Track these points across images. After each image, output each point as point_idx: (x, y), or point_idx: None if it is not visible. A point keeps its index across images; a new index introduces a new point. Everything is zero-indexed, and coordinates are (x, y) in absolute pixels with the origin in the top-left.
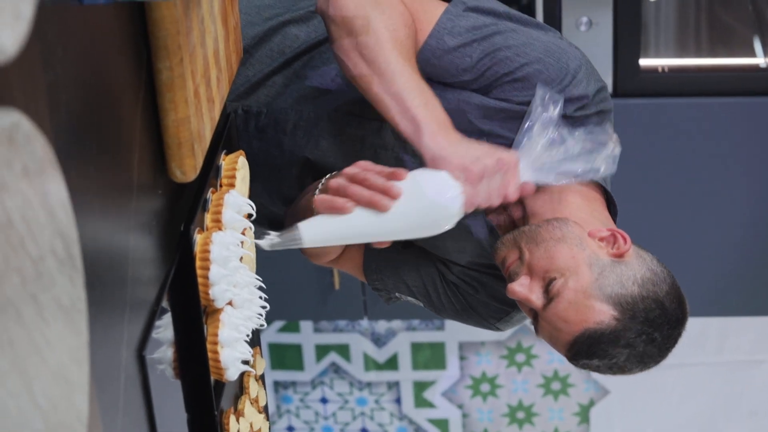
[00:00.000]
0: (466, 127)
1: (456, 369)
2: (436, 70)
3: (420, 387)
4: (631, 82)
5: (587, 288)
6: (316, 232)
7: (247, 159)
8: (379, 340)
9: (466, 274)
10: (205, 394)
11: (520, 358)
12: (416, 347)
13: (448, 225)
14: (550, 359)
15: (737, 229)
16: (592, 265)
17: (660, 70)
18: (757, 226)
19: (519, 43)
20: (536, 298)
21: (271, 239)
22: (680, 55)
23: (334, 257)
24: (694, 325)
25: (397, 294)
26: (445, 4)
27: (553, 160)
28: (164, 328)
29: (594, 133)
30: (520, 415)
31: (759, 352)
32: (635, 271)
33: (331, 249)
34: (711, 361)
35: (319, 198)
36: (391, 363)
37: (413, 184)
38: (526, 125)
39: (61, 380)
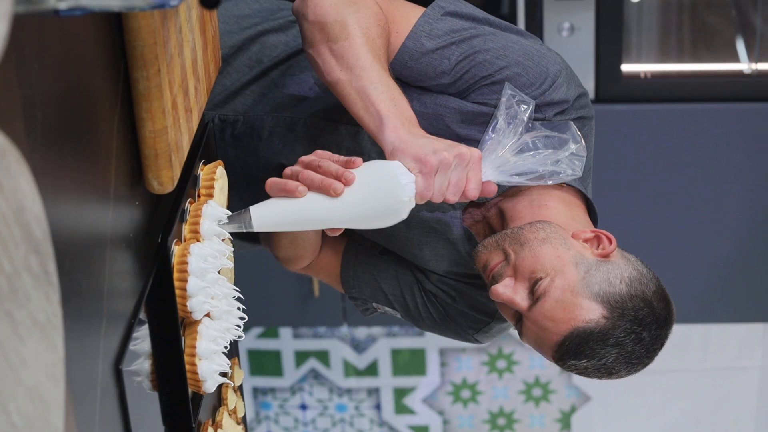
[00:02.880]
0: (444, 132)
1: (436, 375)
2: (413, 72)
3: (400, 393)
4: (612, 88)
5: (575, 286)
6: (266, 215)
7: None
8: (358, 347)
9: (444, 283)
10: (183, 407)
11: (501, 364)
12: (396, 353)
13: (400, 214)
14: (532, 365)
15: (720, 236)
16: (578, 264)
17: (642, 75)
18: (740, 233)
19: (498, 47)
20: (521, 299)
21: (221, 222)
22: (663, 61)
23: (307, 263)
24: (677, 331)
25: (374, 304)
26: (423, 9)
27: (517, 161)
28: (141, 341)
29: (556, 133)
30: (501, 421)
31: (742, 358)
32: (622, 270)
33: (302, 252)
34: (694, 367)
35: (271, 181)
36: (371, 369)
37: (367, 171)
38: (492, 125)
39: (37, 398)
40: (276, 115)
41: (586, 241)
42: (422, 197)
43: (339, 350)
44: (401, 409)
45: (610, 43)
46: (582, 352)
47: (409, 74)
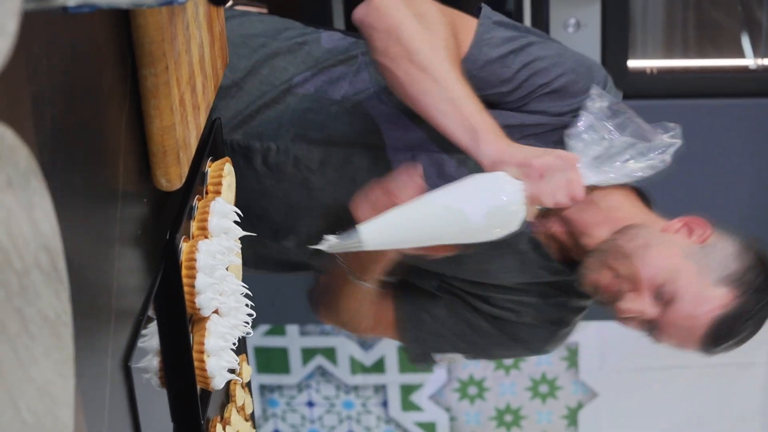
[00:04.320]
0: None
1: (443, 372)
2: (476, 81)
3: (407, 390)
4: (619, 83)
5: (698, 280)
6: (376, 232)
7: (252, 197)
8: (365, 344)
9: (508, 300)
10: (192, 404)
11: (508, 360)
12: (403, 350)
13: (512, 224)
14: (538, 362)
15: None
16: (688, 257)
17: (648, 71)
18: (747, 228)
19: (553, 54)
20: (651, 309)
21: (330, 242)
22: (669, 56)
23: (370, 325)
24: None
25: (438, 356)
26: (474, 18)
27: (610, 159)
28: (150, 337)
29: (641, 129)
30: (508, 418)
31: (748, 355)
32: (725, 248)
33: (364, 312)
34: (700, 364)
35: (367, 197)
36: (378, 366)
37: (471, 184)
38: (578, 127)
39: (46, 395)
40: (326, 149)
41: (677, 231)
42: (534, 201)
43: (346, 347)
44: (408, 405)
45: (616, 38)
46: (726, 335)
47: (470, 83)
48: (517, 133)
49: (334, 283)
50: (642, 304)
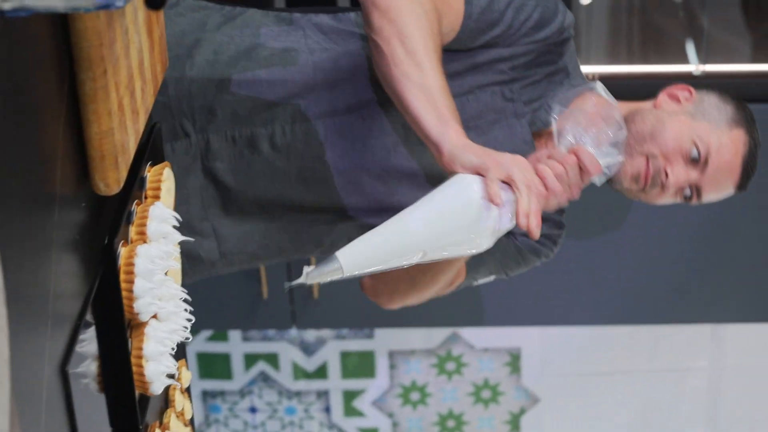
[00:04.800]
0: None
1: (385, 377)
2: (473, 32)
3: (349, 396)
4: None
5: (717, 131)
6: (355, 257)
7: (271, 185)
8: (308, 349)
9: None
10: (130, 409)
11: (450, 366)
12: (345, 356)
13: (478, 221)
14: (480, 367)
15: (669, 238)
16: (695, 118)
17: (590, 77)
18: (689, 235)
19: None
20: (692, 173)
21: (308, 272)
22: (613, 62)
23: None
24: (624, 332)
25: (479, 280)
26: None
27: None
28: (88, 342)
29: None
30: (451, 423)
31: (690, 359)
32: (711, 97)
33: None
34: (642, 368)
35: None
36: (321, 372)
37: (444, 192)
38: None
39: None
40: (328, 121)
41: (668, 103)
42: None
43: (288, 353)
44: (351, 411)
45: None
46: (752, 168)
47: (467, 37)
48: (508, 63)
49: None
50: (684, 173)
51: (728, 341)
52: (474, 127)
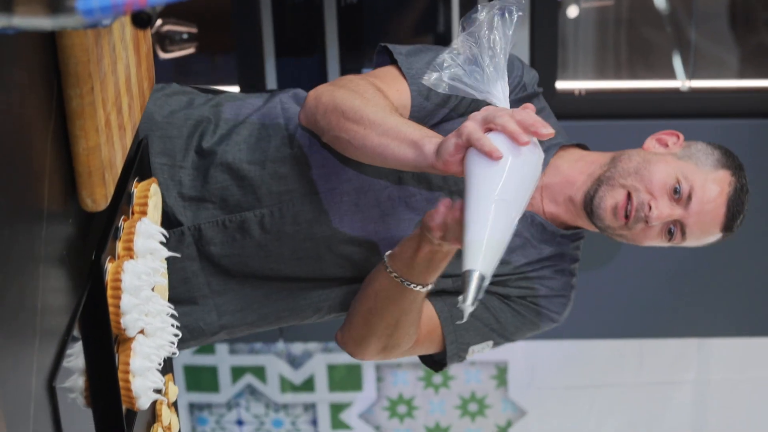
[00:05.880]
0: None
1: (373, 390)
2: (430, 111)
3: (336, 409)
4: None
5: (701, 170)
6: (484, 259)
7: (266, 264)
8: (295, 362)
9: (521, 278)
10: (117, 423)
11: (437, 379)
12: (332, 369)
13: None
14: (468, 380)
15: (654, 254)
16: (681, 159)
17: (576, 92)
18: (676, 251)
19: None
20: (675, 210)
21: (467, 303)
22: (600, 77)
23: (420, 334)
24: (611, 346)
25: (471, 349)
26: (390, 67)
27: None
28: (75, 357)
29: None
30: None
31: (676, 373)
32: (699, 144)
33: (414, 321)
34: (629, 382)
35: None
36: (308, 385)
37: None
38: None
39: None
40: (315, 198)
41: (656, 146)
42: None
43: (275, 366)
44: (338, 424)
45: (545, 59)
46: (739, 211)
47: (426, 115)
48: None
49: (389, 308)
50: (668, 207)
51: (714, 355)
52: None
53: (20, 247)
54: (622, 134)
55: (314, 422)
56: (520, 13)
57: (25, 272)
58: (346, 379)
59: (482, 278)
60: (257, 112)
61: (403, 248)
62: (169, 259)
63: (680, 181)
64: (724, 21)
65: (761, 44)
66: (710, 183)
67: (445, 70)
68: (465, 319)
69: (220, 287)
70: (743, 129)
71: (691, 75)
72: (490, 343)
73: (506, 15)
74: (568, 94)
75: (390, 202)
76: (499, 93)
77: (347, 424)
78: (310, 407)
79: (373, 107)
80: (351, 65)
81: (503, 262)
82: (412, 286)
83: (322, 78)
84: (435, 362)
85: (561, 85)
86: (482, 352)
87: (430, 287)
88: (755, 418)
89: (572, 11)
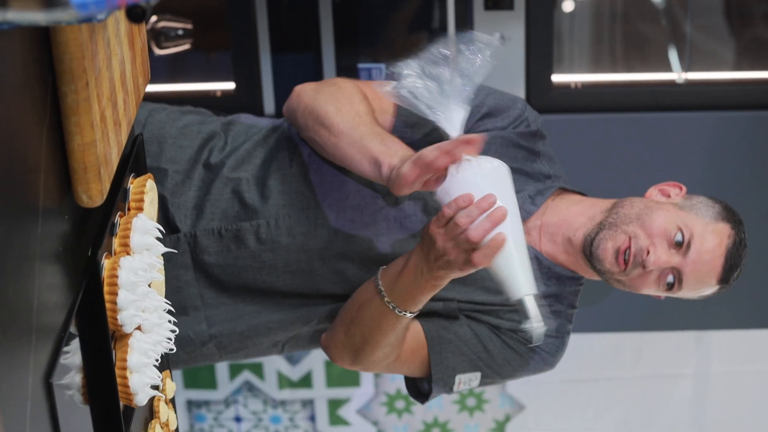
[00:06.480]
0: None
1: (370, 386)
2: (421, 128)
3: (334, 404)
4: (543, 97)
5: (702, 221)
6: (522, 280)
7: (259, 276)
8: (292, 358)
9: (515, 311)
10: (115, 420)
11: None
12: (330, 365)
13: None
14: None
15: None
16: (683, 209)
17: (573, 86)
18: None
19: None
20: (673, 257)
21: (539, 330)
22: (595, 71)
23: (404, 354)
24: (609, 339)
25: (458, 377)
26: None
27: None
28: (72, 354)
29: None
30: (436, 431)
31: (674, 366)
32: (700, 197)
33: (399, 343)
34: (626, 375)
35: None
36: (305, 381)
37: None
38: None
39: None
40: (311, 213)
41: (658, 196)
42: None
43: (273, 362)
44: (336, 420)
45: (540, 53)
46: (736, 263)
47: (412, 130)
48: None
49: (368, 324)
50: (666, 254)
51: (713, 348)
52: None
53: (16, 243)
54: (618, 127)
55: (312, 418)
56: (495, 63)
57: (20, 269)
58: (343, 375)
59: (533, 295)
60: (264, 131)
61: (395, 263)
62: None
63: (681, 229)
64: (719, 14)
65: (756, 37)
66: (710, 234)
67: (403, 80)
68: (539, 342)
69: (212, 300)
70: (740, 121)
71: (687, 68)
72: (479, 374)
73: (485, 52)
74: (565, 88)
75: (386, 222)
76: (452, 116)
77: (345, 419)
78: (308, 403)
79: (345, 115)
80: (346, 61)
81: (495, 292)
82: (394, 308)
83: (317, 74)
84: (421, 393)
85: (557, 78)
86: (471, 386)
87: (410, 316)
88: (755, 411)
89: (568, 5)
